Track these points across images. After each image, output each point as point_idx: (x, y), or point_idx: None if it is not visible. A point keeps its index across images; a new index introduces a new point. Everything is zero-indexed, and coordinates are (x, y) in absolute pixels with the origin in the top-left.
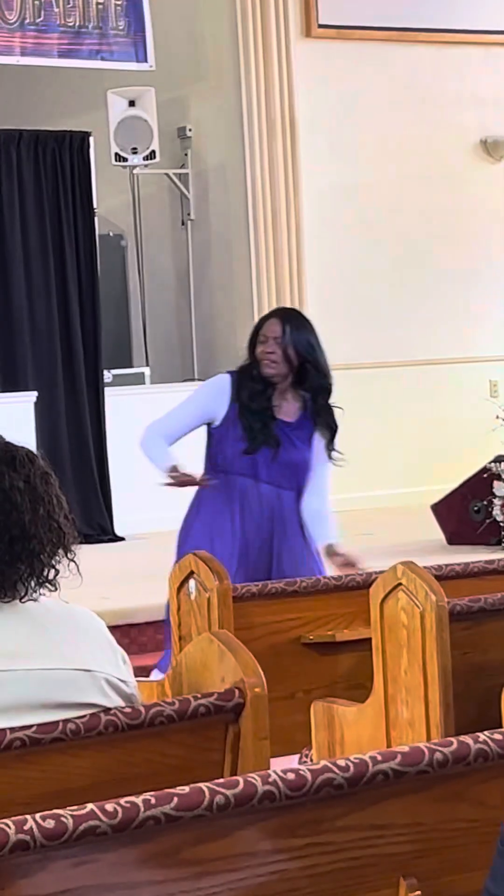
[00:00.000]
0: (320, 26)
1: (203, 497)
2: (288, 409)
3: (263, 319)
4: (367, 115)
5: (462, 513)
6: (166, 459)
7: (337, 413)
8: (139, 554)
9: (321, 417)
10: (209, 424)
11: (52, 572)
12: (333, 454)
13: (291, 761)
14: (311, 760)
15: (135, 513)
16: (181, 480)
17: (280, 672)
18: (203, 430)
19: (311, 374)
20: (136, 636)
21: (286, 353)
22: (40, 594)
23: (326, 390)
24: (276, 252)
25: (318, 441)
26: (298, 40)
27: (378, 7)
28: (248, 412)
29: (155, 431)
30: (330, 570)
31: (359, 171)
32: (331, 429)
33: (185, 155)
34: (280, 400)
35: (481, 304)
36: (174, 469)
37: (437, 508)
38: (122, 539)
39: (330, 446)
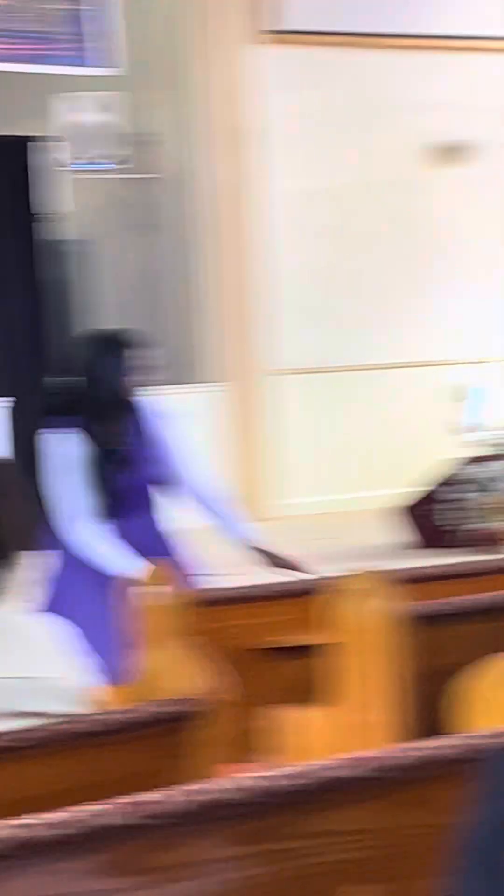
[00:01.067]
0: (288, 32)
1: None
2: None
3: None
4: (325, 121)
5: (427, 516)
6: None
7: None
8: None
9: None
10: None
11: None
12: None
13: (247, 768)
14: (266, 767)
15: None
16: None
17: (241, 678)
18: None
19: None
20: None
21: None
22: None
23: None
24: (238, 257)
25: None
26: (265, 47)
27: (336, 13)
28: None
29: None
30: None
31: (322, 176)
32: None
33: (146, 161)
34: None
35: (439, 308)
36: None
37: (401, 512)
38: None
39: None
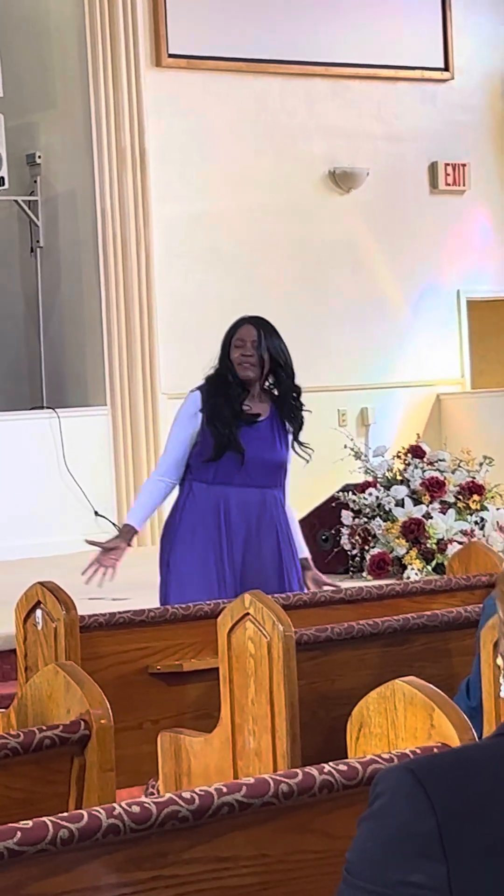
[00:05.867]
0: (170, 56)
1: (185, 522)
2: (259, 408)
3: (236, 326)
4: (216, 144)
5: (310, 542)
6: (132, 518)
7: (304, 412)
8: None
9: (289, 414)
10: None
11: None
12: (299, 448)
13: (138, 792)
14: (158, 791)
15: None
16: (97, 559)
17: (128, 702)
18: None
19: (281, 376)
20: None
21: (261, 356)
22: None
23: (296, 390)
24: (126, 280)
25: (287, 437)
26: (148, 69)
27: (227, 38)
28: (216, 419)
29: (158, 473)
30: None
31: (208, 201)
32: (298, 424)
33: (35, 182)
34: (251, 402)
35: (329, 333)
36: (106, 545)
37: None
38: None
39: (297, 440)
